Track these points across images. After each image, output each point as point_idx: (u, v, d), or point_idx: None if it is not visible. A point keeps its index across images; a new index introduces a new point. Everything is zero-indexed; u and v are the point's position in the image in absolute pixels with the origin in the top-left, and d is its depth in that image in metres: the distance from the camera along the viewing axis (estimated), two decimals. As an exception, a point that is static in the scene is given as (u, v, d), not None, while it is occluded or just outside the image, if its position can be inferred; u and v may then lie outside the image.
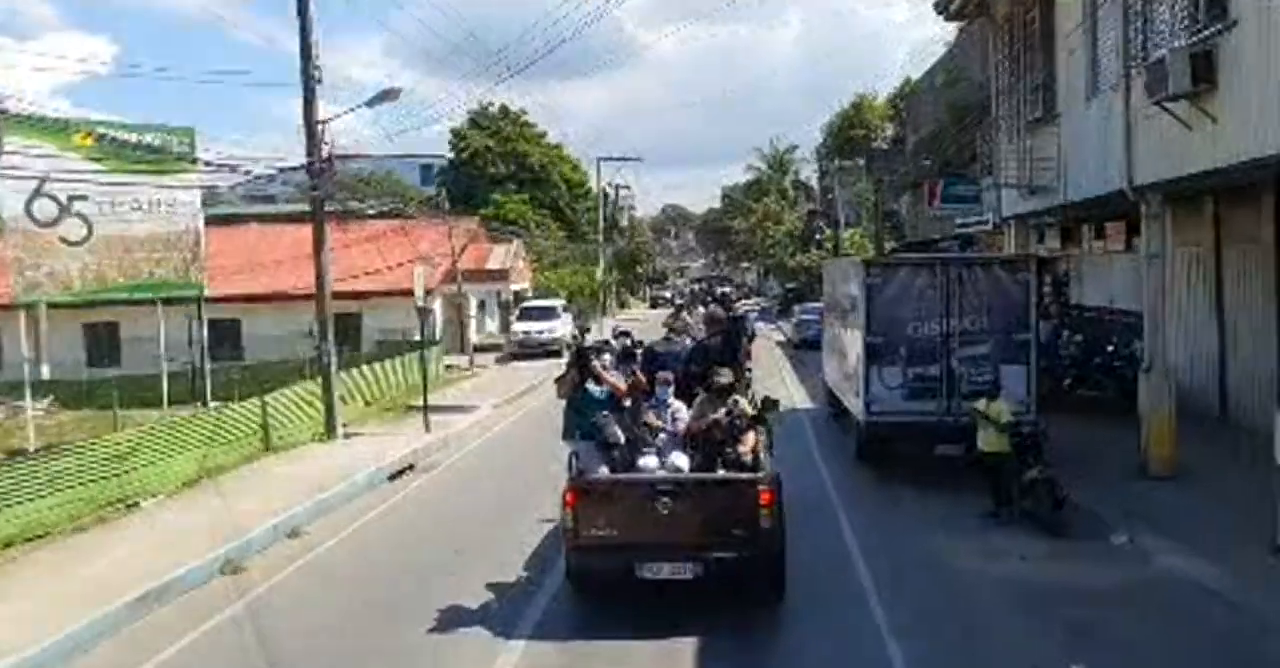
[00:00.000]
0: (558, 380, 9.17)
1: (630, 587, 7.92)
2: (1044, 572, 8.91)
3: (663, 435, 8.44)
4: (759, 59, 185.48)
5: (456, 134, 54.99)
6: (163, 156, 17.01)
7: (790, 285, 51.58)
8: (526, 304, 32.88)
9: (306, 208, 33.84)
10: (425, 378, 16.95)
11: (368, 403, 20.84)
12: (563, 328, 30.78)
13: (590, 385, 8.83)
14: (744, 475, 7.91)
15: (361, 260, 29.32)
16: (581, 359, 8.88)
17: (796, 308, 35.76)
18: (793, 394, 20.59)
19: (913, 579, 8.82)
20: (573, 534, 7.88)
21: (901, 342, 12.18)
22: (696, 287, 71.57)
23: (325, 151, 16.12)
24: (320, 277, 16.43)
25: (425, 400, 16.95)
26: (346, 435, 16.71)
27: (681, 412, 8.79)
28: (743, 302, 48.73)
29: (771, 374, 23.55)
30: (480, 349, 33.50)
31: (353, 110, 15.92)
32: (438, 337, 31.60)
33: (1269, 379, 13.25)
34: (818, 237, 47.45)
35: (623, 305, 63.53)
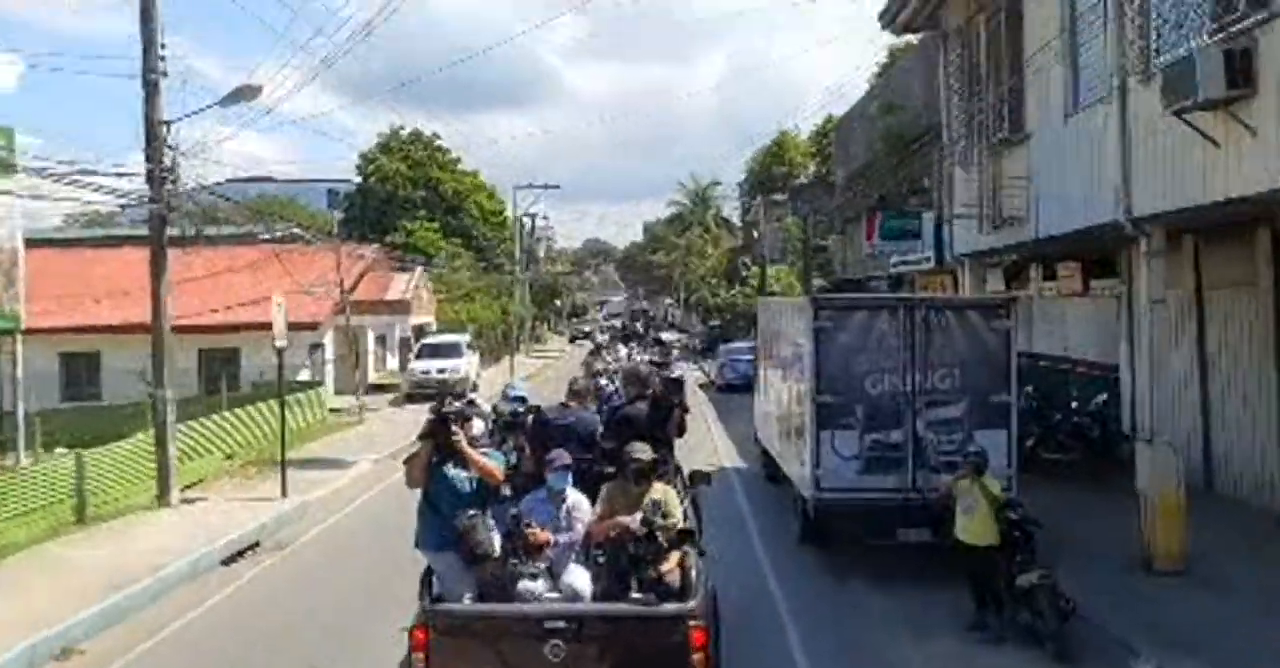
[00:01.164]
0: (407, 462, 6.64)
1: None
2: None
3: (557, 544, 6.12)
4: (681, 101, 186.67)
5: (365, 158, 52.16)
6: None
7: (713, 323, 49.76)
8: (426, 340, 29.98)
9: (207, 231, 30.77)
10: (283, 431, 14.13)
11: (229, 456, 17.85)
12: (466, 367, 28.09)
13: (450, 469, 6.38)
14: (668, 608, 5.62)
15: (245, 290, 26.25)
16: (440, 429, 6.36)
17: (722, 348, 33.72)
18: (718, 448, 18.32)
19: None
20: None
21: (858, 401, 10.01)
22: (617, 323, 69.55)
23: (169, 158, 13.36)
24: (157, 308, 13.56)
25: (283, 458, 14.13)
26: (186, 501, 13.77)
27: (583, 508, 6.46)
28: (666, 336, 46.67)
29: (695, 423, 21.21)
30: (379, 389, 30.63)
31: (204, 109, 13.20)
32: (328, 375, 28.67)
33: (1267, 445, 11.53)
34: (743, 274, 45.78)
35: (539, 340, 60.92)
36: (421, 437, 6.49)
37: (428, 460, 6.38)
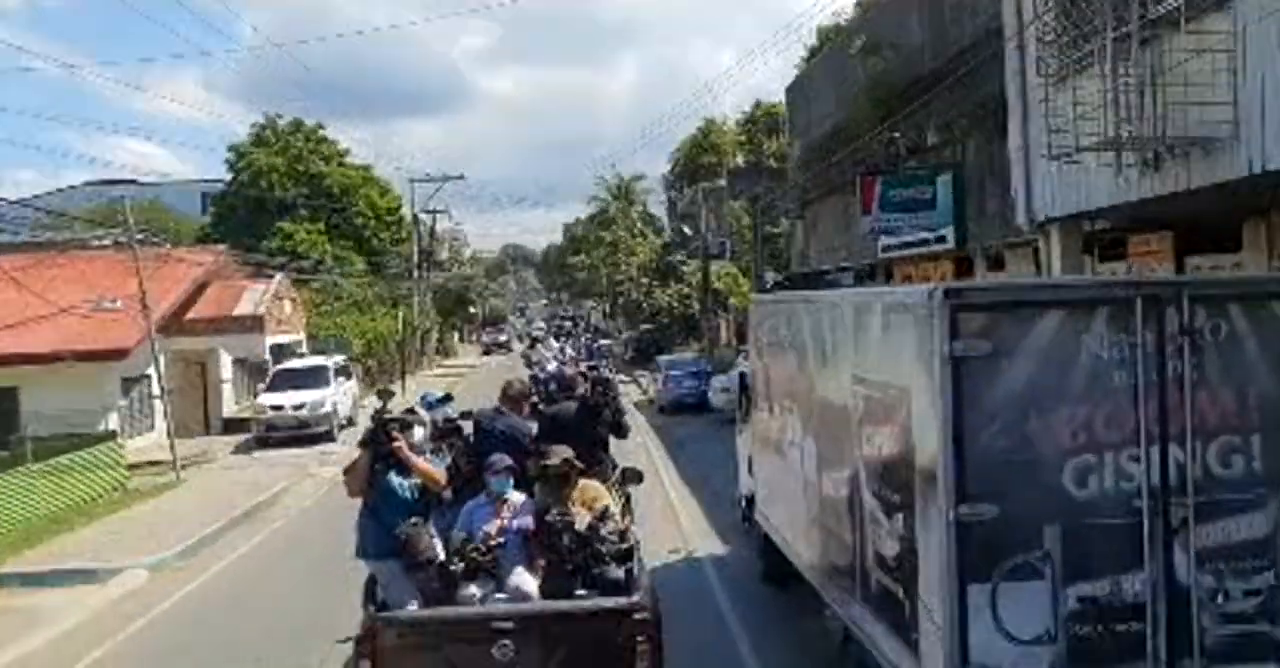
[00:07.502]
0: (347, 472, 6.50)
1: None
2: None
3: (501, 543, 5.86)
4: (597, 103, 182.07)
5: (236, 151, 45.22)
6: None
7: (645, 327, 44.26)
8: (281, 366, 23.47)
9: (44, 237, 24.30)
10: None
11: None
12: (335, 399, 21.77)
13: (393, 477, 6.21)
14: (613, 602, 5.52)
15: (25, 309, 19.63)
16: (380, 437, 6.19)
17: (661, 360, 28.14)
18: (679, 516, 12.60)
19: None
20: None
21: (1048, 514, 4.50)
22: (552, 322, 63.97)
23: None
24: None
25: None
26: None
27: (526, 511, 6.09)
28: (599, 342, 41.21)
29: (645, 473, 15.63)
30: (239, 425, 24.07)
31: None
32: (157, 415, 22.12)
33: None
34: (680, 272, 40.36)
35: (447, 354, 54.57)
36: (361, 444, 6.43)
37: (368, 469, 6.30)
